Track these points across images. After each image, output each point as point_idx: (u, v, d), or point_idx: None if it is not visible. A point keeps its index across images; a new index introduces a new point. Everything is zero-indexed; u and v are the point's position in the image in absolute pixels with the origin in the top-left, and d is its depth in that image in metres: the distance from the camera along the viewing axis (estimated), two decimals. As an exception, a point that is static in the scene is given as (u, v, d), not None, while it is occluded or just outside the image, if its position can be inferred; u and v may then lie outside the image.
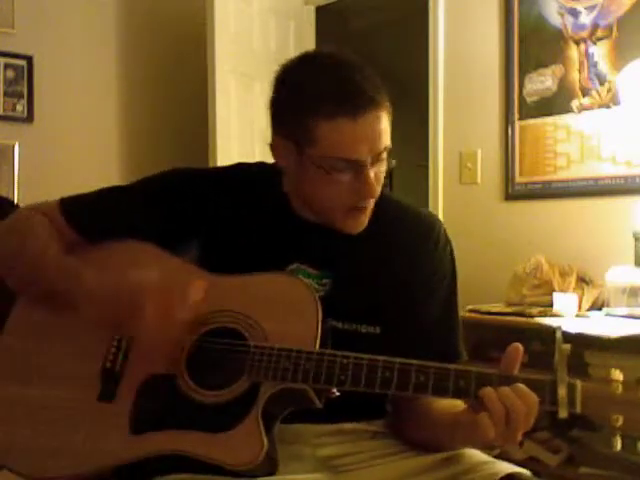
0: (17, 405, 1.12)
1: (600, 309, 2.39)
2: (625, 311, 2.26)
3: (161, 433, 1.03)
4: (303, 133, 1.06)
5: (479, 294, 2.67)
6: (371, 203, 1.13)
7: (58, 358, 1.13)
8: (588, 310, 2.39)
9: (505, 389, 0.94)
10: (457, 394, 0.97)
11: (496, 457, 1.13)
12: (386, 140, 1.07)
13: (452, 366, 0.98)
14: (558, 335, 0.98)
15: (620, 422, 0.91)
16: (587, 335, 2.09)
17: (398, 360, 0.98)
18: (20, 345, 1.16)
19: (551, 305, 2.36)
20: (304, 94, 1.07)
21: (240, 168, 1.27)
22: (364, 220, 1.14)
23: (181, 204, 1.19)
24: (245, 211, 1.18)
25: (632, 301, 2.26)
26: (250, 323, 1.06)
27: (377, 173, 1.09)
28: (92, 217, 1.20)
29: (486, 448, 1.14)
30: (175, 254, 1.16)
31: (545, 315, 2.31)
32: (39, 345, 1.15)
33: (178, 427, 1.03)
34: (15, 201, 2.95)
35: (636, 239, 2.34)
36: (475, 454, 1.14)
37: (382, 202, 1.18)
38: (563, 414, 0.92)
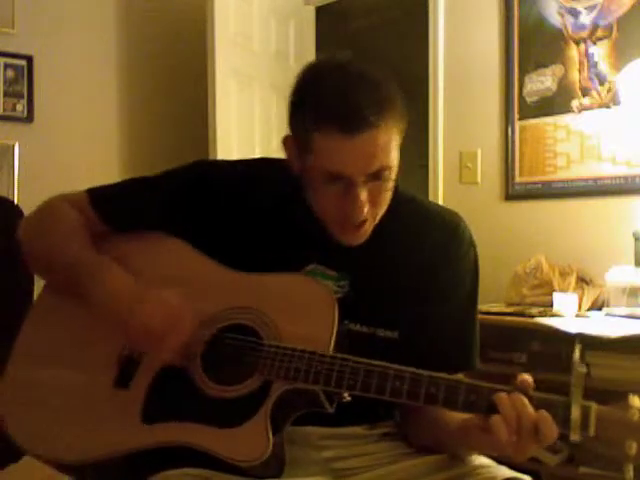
0: (37, 389, 1.14)
1: (600, 309, 2.39)
2: (625, 311, 2.26)
3: (171, 424, 1.04)
4: (303, 141, 1.06)
5: (479, 294, 2.66)
6: (370, 220, 1.10)
7: (78, 344, 1.15)
8: (588, 310, 2.39)
9: (518, 395, 0.93)
10: (467, 408, 0.96)
11: (495, 458, 1.13)
12: (385, 160, 1.04)
13: (464, 380, 0.97)
14: (576, 356, 0.97)
15: (634, 450, 0.89)
16: (587, 335, 2.09)
17: (410, 370, 0.98)
18: (42, 330, 1.19)
19: (551, 305, 2.36)
20: (306, 104, 1.07)
21: (264, 164, 1.26)
22: (360, 235, 1.11)
23: (205, 198, 1.19)
24: (267, 209, 1.18)
25: (632, 301, 2.26)
26: (266, 321, 1.07)
27: (376, 192, 1.07)
28: (120, 208, 1.21)
29: (495, 457, 1.13)
30: (197, 248, 1.17)
31: (545, 315, 2.31)
32: (60, 330, 1.17)
33: (188, 419, 1.04)
34: (15, 201, 2.95)
35: (636, 239, 2.34)
36: (473, 458, 1.13)
37: (404, 203, 1.17)
38: (575, 436, 0.90)
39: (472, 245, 1.23)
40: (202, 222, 1.19)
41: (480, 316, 2.67)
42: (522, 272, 2.53)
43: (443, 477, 1.10)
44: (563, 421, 0.91)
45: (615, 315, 2.27)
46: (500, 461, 1.12)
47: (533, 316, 2.31)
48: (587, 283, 2.44)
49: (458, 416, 1.04)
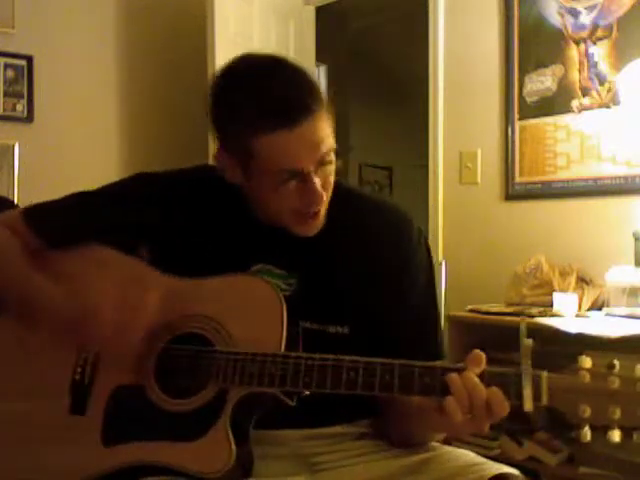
0: None
1: (600, 309, 2.38)
2: (625, 311, 2.25)
3: (133, 444, 1.03)
4: (243, 149, 1.05)
5: (479, 294, 2.67)
6: (323, 206, 1.10)
7: (27, 372, 1.12)
8: (588, 310, 2.39)
9: (468, 373, 0.94)
10: (423, 391, 0.95)
11: (496, 457, 1.13)
12: (328, 143, 1.05)
13: (417, 363, 0.97)
14: (522, 328, 0.98)
15: (588, 413, 0.89)
16: (587, 335, 2.09)
17: (363, 360, 0.97)
18: None
19: (551, 305, 2.36)
20: (237, 110, 1.05)
21: (203, 170, 1.24)
22: (318, 223, 1.11)
23: (144, 209, 1.17)
24: (207, 213, 1.17)
25: (632, 301, 2.26)
26: (216, 327, 1.05)
27: (325, 177, 1.07)
28: (55, 223, 1.18)
29: (456, 437, 1.13)
30: (138, 258, 1.15)
31: (545, 315, 2.31)
32: (6, 359, 1.14)
33: (149, 437, 1.03)
34: (15, 201, 2.95)
35: (636, 239, 2.34)
36: (464, 454, 1.13)
37: (349, 196, 1.17)
38: (528, 407, 0.91)
39: (422, 238, 1.22)
40: (143, 232, 1.17)
41: (480, 316, 2.68)
42: (522, 272, 2.53)
43: (432, 477, 1.09)
44: (516, 393, 0.92)
45: (615, 315, 2.27)
46: (496, 459, 1.12)
47: (533, 316, 2.31)
48: (587, 283, 2.43)
49: (416, 400, 1.03)
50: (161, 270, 1.13)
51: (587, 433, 0.90)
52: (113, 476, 1.04)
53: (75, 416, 1.08)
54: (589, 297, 2.41)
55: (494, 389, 0.93)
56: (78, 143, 3.35)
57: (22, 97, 3.18)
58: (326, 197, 1.09)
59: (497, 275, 2.67)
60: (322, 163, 1.05)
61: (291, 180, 1.04)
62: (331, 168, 1.08)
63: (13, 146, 3.14)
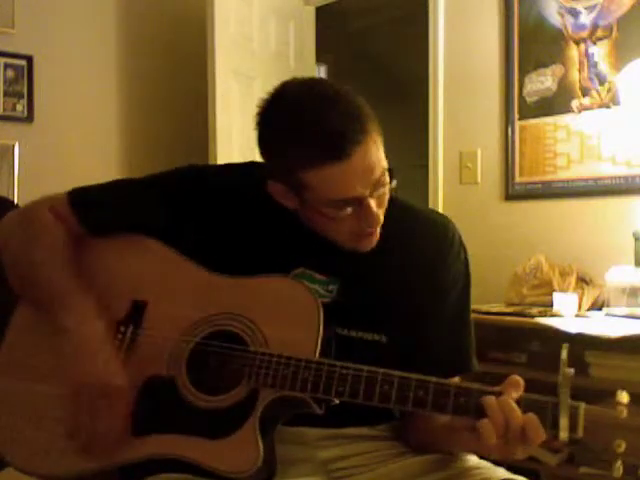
0: (23, 402, 1.12)
1: (600, 309, 2.39)
2: (625, 311, 2.26)
3: (160, 436, 1.03)
4: (295, 182, 1.04)
5: (479, 294, 2.65)
6: (380, 222, 1.10)
7: (61, 357, 1.11)
8: (588, 310, 2.39)
9: (506, 398, 0.93)
10: (457, 411, 0.95)
11: (495, 459, 1.13)
12: (381, 166, 1.04)
13: (453, 382, 0.97)
14: (563, 356, 0.95)
15: (622, 448, 0.89)
16: (587, 335, 2.09)
17: (397, 374, 0.97)
18: (25, 343, 1.16)
19: (551, 305, 2.36)
20: (286, 145, 1.04)
21: (251, 168, 1.24)
22: (374, 240, 1.11)
23: (192, 204, 1.18)
24: (251, 213, 1.17)
25: (632, 301, 2.26)
26: (251, 327, 1.05)
27: (380, 197, 1.06)
28: (99, 211, 1.19)
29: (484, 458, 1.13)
30: (180, 253, 1.15)
31: (545, 315, 2.31)
32: (43, 343, 1.14)
33: (177, 431, 1.03)
34: (15, 201, 2.95)
35: (636, 239, 2.34)
36: (469, 458, 1.13)
37: (393, 207, 1.16)
38: (563, 437, 0.90)
39: (462, 247, 1.22)
40: (188, 226, 1.17)
41: (480, 316, 2.68)
42: (522, 272, 2.53)
43: (439, 477, 1.10)
44: (552, 423, 0.91)
45: (615, 315, 2.27)
46: (497, 462, 1.12)
47: (533, 316, 2.31)
48: (587, 283, 2.44)
49: (447, 417, 1.03)
50: (201, 266, 1.13)
51: (620, 468, 0.90)
52: (138, 466, 1.05)
53: (104, 402, 1.06)
54: (589, 297, 2.41)
55: (531, 415, 0.92)
56: (78, 143, 3.35)
57: (22, 97, 3.18)
58: (381, 218, 1.09)
59: (497, 275, 2.67)
60: (377, 186, 1.04)
61: (347, 207, 1.04)
62: (386, 189, 1.07)
63: (13, 146, 3.14)
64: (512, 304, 2.51)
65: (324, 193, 1.03)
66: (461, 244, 1.22)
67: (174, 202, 1.18)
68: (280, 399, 1.01)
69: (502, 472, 1.09)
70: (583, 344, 2.11)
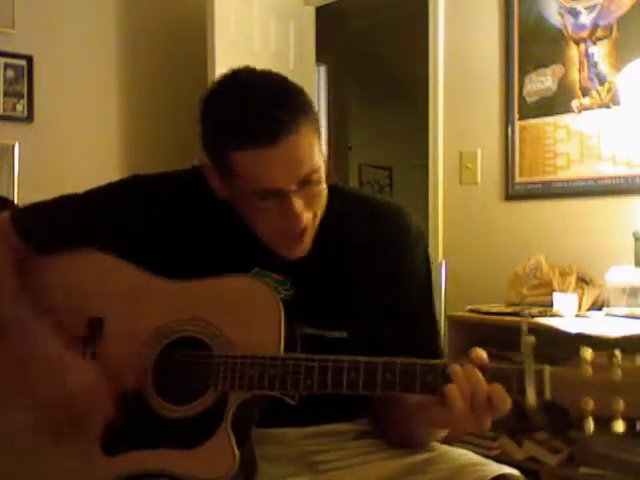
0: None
1: (600, 309, 2.39)
2: (625, 311, 2.26)
3: (134, 453, 1.03)
4: (225, 165, 1.04)
5: (479, 294, 2.67)
6: (310, 227, 1.08)
7: (24, 386, 1.10)
8: (588, 310, 2.39)
9: (471, 367, 0.93)
10: (425, 389, 0.95)
11: (496, 457, 1.13)
12: (312, 163, 1.02)
13: (419, 361, 0.96)
14: (523, 327, 0.98)
15: (591, 405, 0.89)
16: (587, 335, 2.09)
17: (363, 359, 0.97)
18: None
19: (551, 305, 2.36)
20: (217, 128, 1.04)
21: (198, 172, 1.20)
22: (303, 246, 1.09)
23: (139, 214, 1.16)
24: (202, 217, 1.15)
25: (632, 301, 2.26)
26: (214, 331, 1.04)
27: (310, 197, 1.04)
28: (43, 228, 1.17)
29: (456, 437, 1.12)
30: (129, 262, 1.14)
31: (545, 315, 2.31)
32: (6, 369, 1.12)
33: (151, 445, 1.02)
34: (15, 201, 2.95)
35: (636, 239, 2.34)
36: (464, 454, 1.13)
37: (345, 200, 1.16)
38: (531, 401, 0.91)
39: (420, 235, 1.20)
40: (139, 235, 1.16)
41: (480, 316, 2.68)
42: (522, 272, 2.53)
43: (432, 476, 1.09)
44: (518, 388, 0.92)
45: (615, 315, 2.27)
46: (495, 459, 1.12)
47: (533, 316, 2.31)
48: (587, 283, 2.44)
49: (416, 399, 1.03)
50: (155, 274, 1.11)
51: (591, 425, 0.89)
52: None
53: (74, 426, 1.06)
54: (589, 297, 2.41)
55: (496, 385, 0.92)
56: (78, 143, 3.35)
57: (22, 97, 3.18)
58: (312, 217, 1.06)
59: (497, 275, 2.67)
60: (306, 183, 1.02)
61: (270, 199, 1.02)
62: (318, 188, 1.05)
63: (13, 146, 3.14)
64: (512, 304, 2.51)
65: (249, 180, 1.02)
66: (419, 232, 1.20)
67: (121, 214, 1.16)
68: (250, 399, 1.01)
69: (497, 467, 1.08)
70: (583, 344, 2.11)
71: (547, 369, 0.92)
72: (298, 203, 1.02)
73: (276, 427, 1.09)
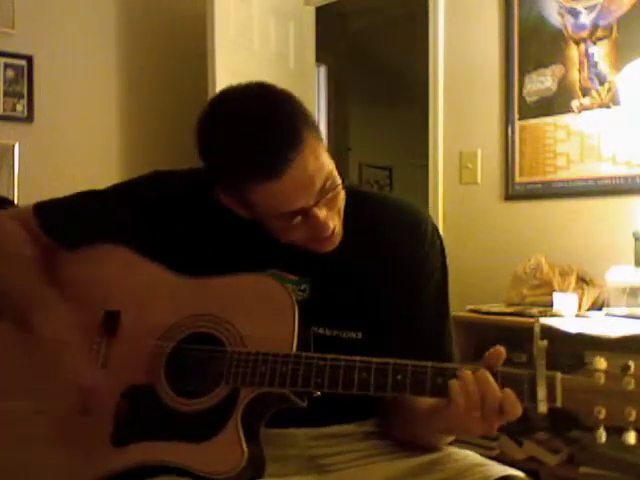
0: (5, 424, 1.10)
1: (600, 309, 2.39)
2: (625, 311, 2.26)
3: (143, 444, 1.03)
4: (239, 196, 1.04)
5: (479, 294, 2.67)
6: (338, 225, 1.09)
7: (38, 372, 1.11)
8: (588, 310, 2.39)
9: (482, 372, 0.93)
10: (435, 391, 0.95)
11: (496, 457, 1.13)
12: (323, 172, 1.02)
13: (430, 363, 0.96)
14: (536, 330, 0.97)
15: (603, 414, 0.88)
16: (587, 335, 2.09)
17: (375, 360, 0.97)
18: None
19: (551, 305, 2.36)
20: (222, 163, 1.04)
21: None
22: (335, 240, 1.09)
23: (160, 210, 1.17)
24: (221, 216, 1.15)
25: (632, 301, 2.26)
26: (227, 327, 1.05)
27: (329, 204, 1.05)
28: (65, 223, 1.19)
29: (464, 436, 1.12)
30: (149, 258, 1.15)
31: (545, 315, 2.31)
32: (17, 359, 1.13)
33: (160, 437, 1.03)
34: (15, 201, 2.95)
35: (636, 239, 2.34)
36: (468, 455, 1.13)
37: (361, 199, 1.16)
38: (542, 409, 0.90)
39: (437, 234, 1.20)
40: (158, 232, 1.17)
41: (480, 316, 2.68)
42: (522, 272, 2.53)
43: (436, 477, 1.09)
44: (530, 395, 0.91)
45: (615, 315, 2.27)
46: (495, 459, 1.12)
47: (533, 316, 2.31)
48: (587, 283, 2.44)
49: (426, 403, 1.03)
50: (172, 270, 1.13)
51: (602, 434, 0.89)
52: (123, 476, 1.04)
53: (84, 417, 1.07)
54: (589, 297, 2.41)
55: (507, 390, 0.92)
56: (78, 143, 3.35)
57: (22, 97, 3.18)
58: (337, 215, 1.07)
59: (497, 275, 2.67)
60: (324, 192, 1.03)
61: (295, 217, 1.03)
62: (336, 190, 1.05)
63: (13, 146, 3.14)
64: (512, 304, 2.51)
65: (268, 208, 1.03)
66: (435, 231, 1.20)
67: (142, 209, 1.17)
68: (261, 396, 1.01)
69: (501, 468, 1.08)
70: (583, 344, 2.11)
71: (559, 376, 0.91)
72: (322, 213, 1.04)
73: (283, 428, 1.09)
